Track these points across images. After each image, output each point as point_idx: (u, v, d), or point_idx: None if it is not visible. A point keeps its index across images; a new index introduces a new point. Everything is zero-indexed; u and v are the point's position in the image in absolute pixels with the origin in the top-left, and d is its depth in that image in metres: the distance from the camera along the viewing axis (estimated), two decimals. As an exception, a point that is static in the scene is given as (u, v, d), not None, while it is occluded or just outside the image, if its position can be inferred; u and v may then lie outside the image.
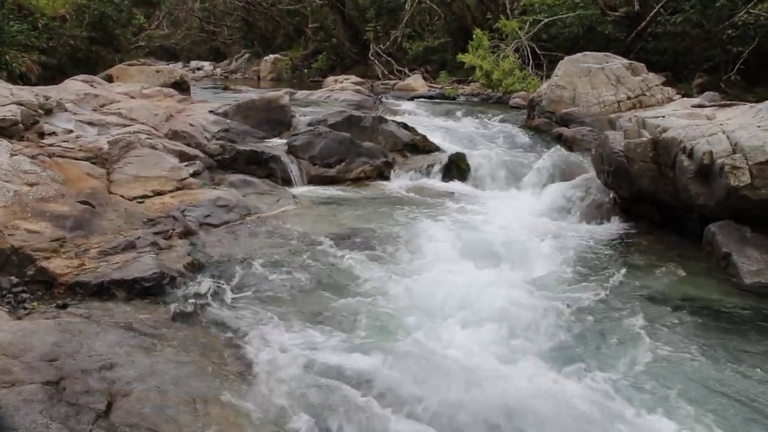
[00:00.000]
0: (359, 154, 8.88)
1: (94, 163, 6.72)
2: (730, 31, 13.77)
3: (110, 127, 8.05)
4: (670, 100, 11.11)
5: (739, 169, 5.29)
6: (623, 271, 5.42)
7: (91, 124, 8.04)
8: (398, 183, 8.67)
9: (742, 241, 5.44)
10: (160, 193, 6.61)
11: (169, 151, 7.69)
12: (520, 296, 4.80)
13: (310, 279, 5.05)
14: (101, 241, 5.25)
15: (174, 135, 8.52)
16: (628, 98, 11.02)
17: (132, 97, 10.12)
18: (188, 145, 8.27)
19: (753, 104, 7.14)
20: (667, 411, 3.50)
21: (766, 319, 4.58)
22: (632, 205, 6.75)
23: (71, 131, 7.49)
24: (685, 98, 11.31)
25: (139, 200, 6.37)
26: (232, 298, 4.63)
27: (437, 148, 9.77)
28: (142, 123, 8.61)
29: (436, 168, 8.96)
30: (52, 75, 13.49)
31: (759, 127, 5.64)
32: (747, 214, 5.47)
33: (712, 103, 8.87)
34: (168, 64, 19.58)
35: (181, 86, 13.19)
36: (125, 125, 8.27)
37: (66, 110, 8.21)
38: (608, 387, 3.71)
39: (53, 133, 7.23)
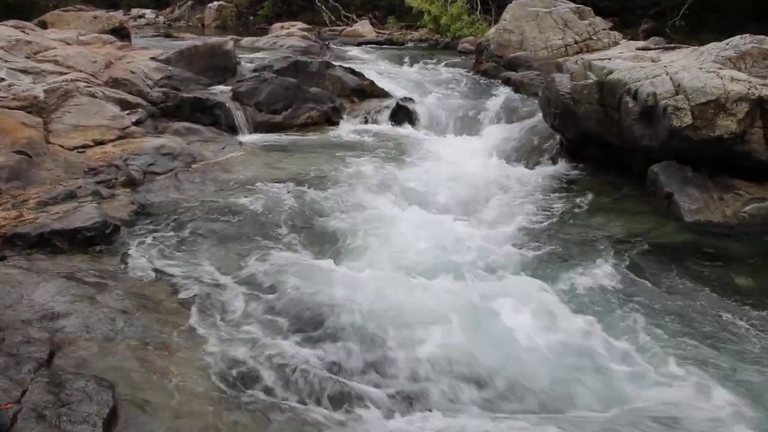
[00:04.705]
0: (306, 100, 8.76)
1: (29, 112, 6.46)
2: (675, -24, 13.87)
3: (46, 75, 7.72)
4: (617, 44, 11.16)
5: (681, 110, 5.36)
6: (569, 210, 5.52)
7: (24, 72, 7.69)
8: (346, 128, 8.61)
9: (684, 181, 5.54)
10: (101, 143, 6.44)
11: (110, 99, 7.46)
12: (463, 235, 4.86)
13: (256, 223, 5.01)
14: (40, 192, 5.10)
15: (114, 83, 8.24)
16: (576, 42, 11.04)
17: (68, 44, 9.70)
18: (130, 92, 8.02)
19: (696, 47, 7.22)
20: (607, 336, 3.62)
21: (704, 254, 4.73)
22: (578, 147, 6.82)
23: (3, 79, 7.14)
24: (631, 41, 11.39)
25: (80, 150, 6.19)
26: (178, 245, 4.56)
27: (385, 93, 9.72)
28: (80, 71, 8.28)
29: (384, 113, 8.92)
30: (-19, 23, 12.83)
31: (701, 69, 5.71)
32: (688, 154, 5.57)
33: (657, 46, 8.94)
34: (108, 12, 18.78)
35: (120, 33, 12.66)
36: (62, 73, 7.94)
37: (-4, 57, 7.85)
38: (546, 311, 3.82)
39: (-17, 82, 6.92)
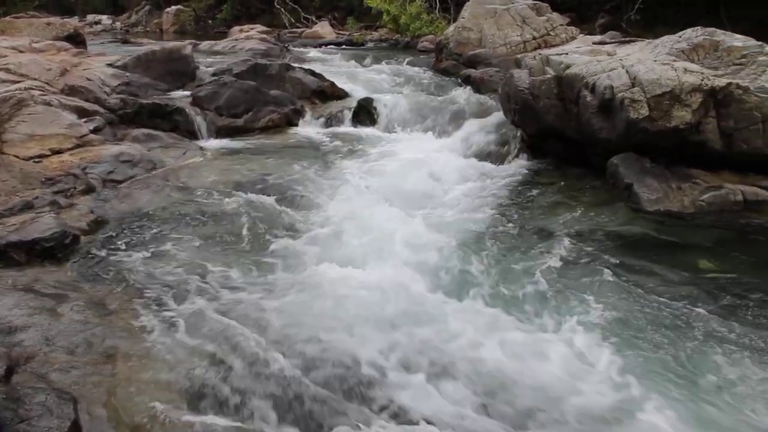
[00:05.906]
0: (266, 103, 8.69)
1: (-19, 122, 6.33)
2: (629, -29, 14.08)
3: (-2, 84, 7.57)
4: (574, 39, 11.30)
5: (638, 102, 5.44)
6: (530, 204, 5.57)
7: (-25, 81, 7.54)
8: (308, 130, 8.57)
9: (643, 172, 5.63)
10: (58, 152, 6.33)
11: (66, 107, 7.32)
12: (425, 234, 4.86)
13: (219, 229, 4.96)
14: (-6, 204, 4.99)
15: (70, 90, 8.09)
16: (534, 38, 11.15)
17: (21, 52, 9.50)
18: (86, 100, 7.89)
19: (651, 40, 7.33)
20: (570, 329, 3.64)
21: (664, 243, 4.80)
22: (539, 142, 6.88)
23: (-47, 90, 7.01)
24: (588, 36, 11.53)
25: (36, 160, 6.08)
26: (139, 254, 4.48)
27: (346, 94, 9.72)
28: (34, 79, 8.11)
29: (346, 114, 8.90)
30: (-72, 32, 12.51)
31: (656, 61, 5.80)
32: (646, 145, 5.65)
33: (613, 40, 9.07)
34: (62, 19, 18.44)
35: (75, 39, 12.42)
36: (15, 81, 7.77)
37: (-55, 67, 7.67)
38: (509, 311, 3.85)
39: (-68, 92, 6.75)
